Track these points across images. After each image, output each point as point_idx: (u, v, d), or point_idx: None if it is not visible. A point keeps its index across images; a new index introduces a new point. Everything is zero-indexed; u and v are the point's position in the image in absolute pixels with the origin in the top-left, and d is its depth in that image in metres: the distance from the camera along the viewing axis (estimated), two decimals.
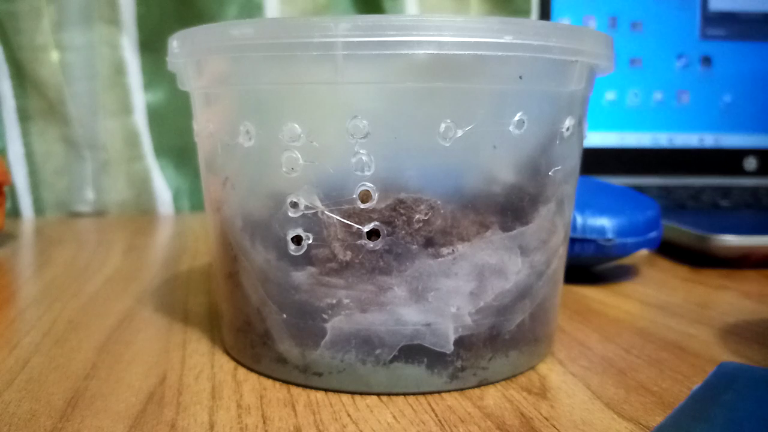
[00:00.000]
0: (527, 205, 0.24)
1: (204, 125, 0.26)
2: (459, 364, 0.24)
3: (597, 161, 0.63)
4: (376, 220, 0.22)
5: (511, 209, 0.23)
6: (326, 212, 0.23)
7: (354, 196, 0.22)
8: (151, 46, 0.67)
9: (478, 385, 0.25)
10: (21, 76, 0.65)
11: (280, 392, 0.24)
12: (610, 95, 0.64)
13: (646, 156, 0.64)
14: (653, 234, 0.40)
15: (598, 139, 0.63)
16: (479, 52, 0.21)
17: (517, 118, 0.23)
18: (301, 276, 0.23)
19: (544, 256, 0.25)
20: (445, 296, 0.23)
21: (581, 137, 0.26)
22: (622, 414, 0.22)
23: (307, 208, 0.23)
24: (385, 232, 0.22)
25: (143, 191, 0.69)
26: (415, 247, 0.23)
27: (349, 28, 0.21)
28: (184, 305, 0.35)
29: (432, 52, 0.21)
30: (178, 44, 0.25)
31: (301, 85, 0.22)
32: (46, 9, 0.64)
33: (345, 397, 0.24)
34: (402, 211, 0.22)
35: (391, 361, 0.24)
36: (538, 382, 0.25)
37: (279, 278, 0.24)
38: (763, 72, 0.65)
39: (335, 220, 0.23)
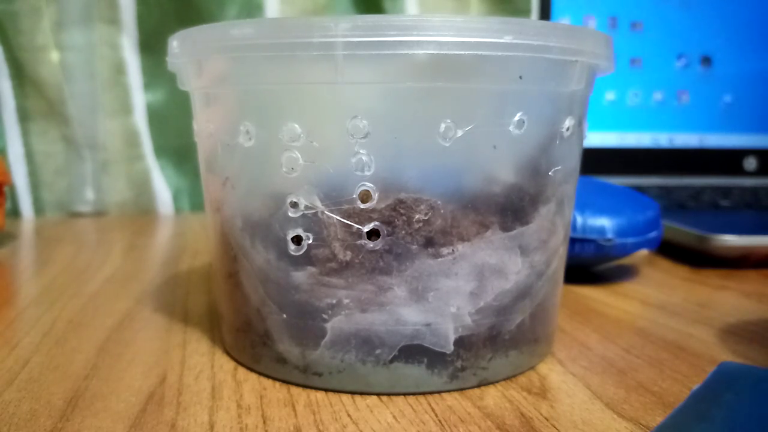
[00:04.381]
0: (527, 205, 0.24)
1: (204, 125, 0.26)
2: (459, 364, 0.24)
3: (597, 161, 0.63)
4: (376, 220, 0.22)
5: (511, 209, 0.23)
6: (326, 212, 0.23)
7: (354, 196, 0.22)
8: (151, 46, 0.67)
9: (478, 385, 0.25)
10: (21, 76, 0.65)
11: (280, 392, 0.24)
12: (610, 95, 0.64)
13: (646, 156, 0.64)
14: (653, 234, 0.40)
15: (598, 139, 0.64)
16: (479, 52, 0.21)
17: (517, 118, 0.23)
18: (301, 276, 0.23)
19: (544, 256, 0.25)
20: (445, 296, 0.23)
21: (581, 137, 0.26)
22: (622, 414, 0.22)
23: (307, 208, 0.23)
24: (385, 232, 0.22)
25: (143, 191, 0.69)
26: (415, 247, 0.23)
27: (349, 28, 0.21)
28: (184, 305, 0.35)
29: (432, 52, 0.21)
30: (178, 44, 0.25)
31: (301, 85, 0.22)
32: (46, 9, 0.64)
33: (345, 397, 0.24)
34: (402, 211, 0.22)
35: (391, 361, 0.24)
36: (538, 382, 0.25)
37: (279, 278, 0.24)
38: (763, 72, 0.65)
39: (335, 220, 0.23)
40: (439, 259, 0.23)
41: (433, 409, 0.23)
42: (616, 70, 0.63)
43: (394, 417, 0.22)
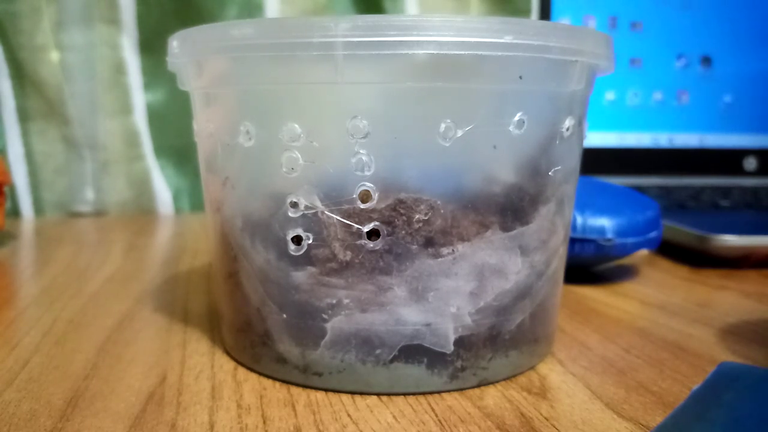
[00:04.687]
0: (527, 205, 0.24)
1: (204, 125, 0.26)
2: (459, 364, 0.24)
3: (597, 161, 0.63)
4: (376, 220, 0.22)
5: (511, 209, 0.23)
6: (326, 212, 0.23)
7: (354, 196, 0.22)
8: (151, 46, 0.67)
9: (478, 385, 0.25)
10: (21, 76, 0.65)
11: (280, 392, 0.24)
12: (610, 95, 0.64)
13: (646, 156, 0.64)
14: (653, 234, 0.40)
15: (598, 139, 0.64)
16: (479, 52, 0.21)
17: (517, 118, 0.23)
18: (301, 276, 0.23)
19: (544, 256, 0.25)
20: (445, 296, 0.23)
21: (581, 137, 0.26)
22: (622, 414, 0.22)
23: (307, 208, 0.23)
24: (385, 232, 0.22)
25: (143, 191, 0.69)
26: (415, 247, 0.23)
27: (349, 28, 0.21)
28: (184, 305, 0.35)
29: (432, 52, 0.21)
30: (178, 44, 0.25)
31: (301, 85, 0.22)
32: (46, 9, 0.64)
33: (345, 397, 0.24)
34: (402, 211, 0.22)
35: (391, 361, 0.24)
36: (538, 382, 0.25)
37: (279, 278, 0.24)
38: (763, 72, 0.65)
39: (335, 220, 0.23)
40: (439, 259, 0.23)
41: (433, 409, 0.23)
42: (616, 70, 0.63)
43: (394, 417, 0.22)
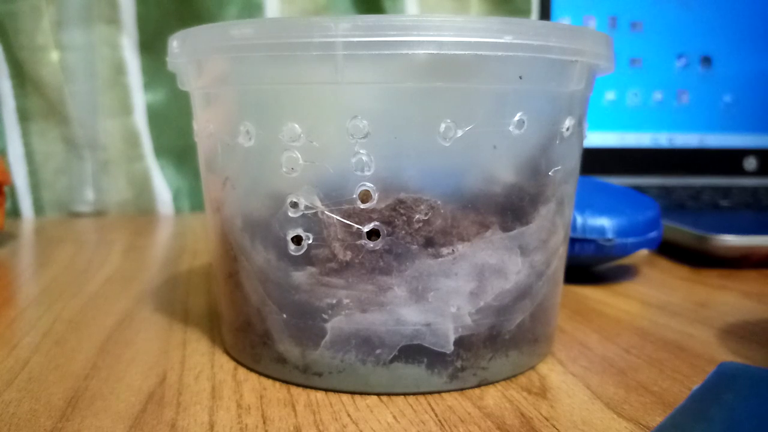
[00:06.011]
0: (527, 205, 0.24)
1: (204, 125, 0.26)
2: (459, 364, 0.24)
3: (597, 161, 0.63)
4: (376, 220, 0.22)
5: (511, 209, 0.23)
6: (326, 212, 0.23)
7: (354, 196, 0.22)
8: (151, 46, 0.67)
9: (478, 385, 0.25)
10: (21, 76, 0.65)
11: (280, 392, 0.24)
12: (610, 95, 0.64)
13: (646, 156, 0.64)
14: (653, 234, 0.40)
15: (598, 139, 0.64)
16: (479, 52, 0.21)
17: (517, 118, 0.23)
18: (301, 276, 0.23)
19: (544, 256, 0.25)
20: (445, 296, 0.23)
21: (581, 137, 0.26)
22: (622, 414, 0.22)
23: (307, 208, 0.23)
24: (385, 232, 0.22)
25: (143, 191, 0.69)
26: (415, 247, 0.23)
27: (349, 28, 0.21)
28: (184, 305, 0.35)
29: (432, 52, 0.21)
30: (178, 44, 0.25)
31: (301, 85, 0.22)
32: (46, 9, 0.64)
33: (345, 397, 0.24)
34: (402, 211, 0.22)
35: (391, 361, 0.24)
36: (538, 382, 0.25)
37: (279, 278, 0.24)
38: (763, 72, 0.65)
39: (335, 220, 0.23)
40: (439, 259, 0.23)
41: (433, 409, 0.23)
42: (616, 70, 0.63)
43: (394, 417, 0.22)
